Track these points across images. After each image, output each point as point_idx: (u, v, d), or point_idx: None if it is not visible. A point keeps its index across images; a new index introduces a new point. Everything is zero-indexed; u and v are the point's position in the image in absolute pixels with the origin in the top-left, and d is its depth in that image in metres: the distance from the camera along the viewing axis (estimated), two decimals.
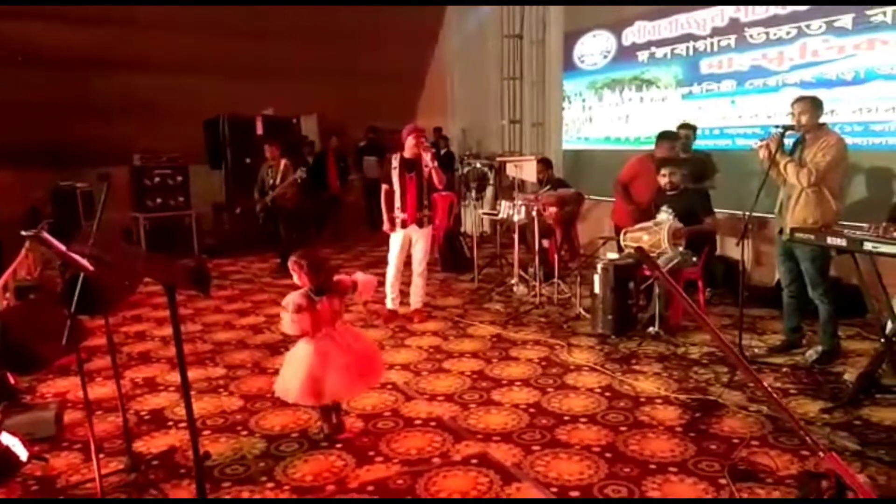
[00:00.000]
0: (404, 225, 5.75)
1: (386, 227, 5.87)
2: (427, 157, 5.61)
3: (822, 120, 4.43)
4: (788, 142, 4.50)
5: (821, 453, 1.82)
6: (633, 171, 6.38)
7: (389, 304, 5.97)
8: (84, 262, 2.75)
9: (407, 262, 6.00)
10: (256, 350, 5.23)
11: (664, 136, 6.25)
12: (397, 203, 5.74)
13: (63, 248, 2.77)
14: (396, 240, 5.83)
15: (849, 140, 4.64)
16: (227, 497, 3.06)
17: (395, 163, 5.73)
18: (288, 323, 3.50)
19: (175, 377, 4.54)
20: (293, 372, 3.53)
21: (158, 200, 9.21)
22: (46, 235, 2.85)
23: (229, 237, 9.66)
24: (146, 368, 4.86)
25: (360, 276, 3.73)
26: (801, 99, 4.47)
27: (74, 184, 8.92)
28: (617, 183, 6.45)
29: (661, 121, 6.95)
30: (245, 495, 3.07)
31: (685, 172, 5.90)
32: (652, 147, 6.40)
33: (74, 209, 8.76)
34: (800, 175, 4.30)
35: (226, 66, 9.62)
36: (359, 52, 10.19)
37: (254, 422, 3.87)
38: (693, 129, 6.37)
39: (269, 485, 3.15)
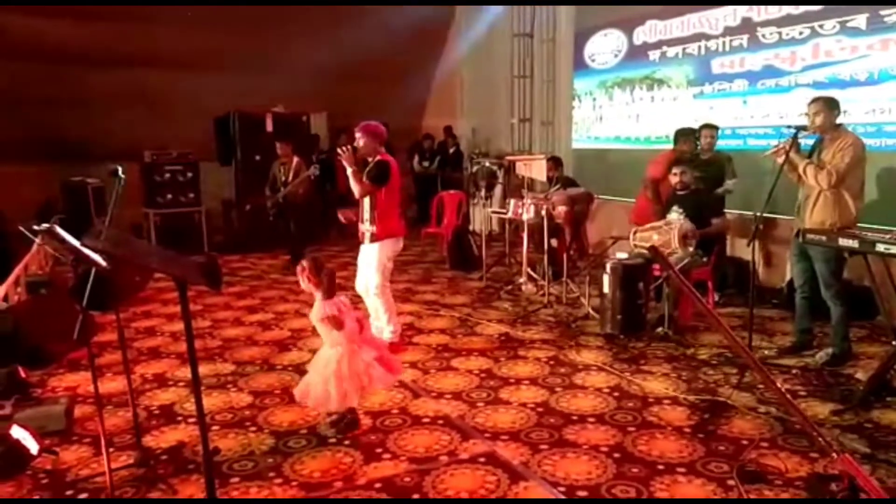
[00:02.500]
0: (361, 239, 5.06)
1: None
2: (342, 158, 4.81)
3: (837, 121, 4.39)
4: (802, 142, 4.45)
5: (834, 454, 1.81)
6: (662, 167, 6.06)
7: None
8: (97, 258, 2.76)
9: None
10: (265, 346, 5.25)
11: (683, 134, 6.21)
12: None
13: (76, 243, 2.78)
14: None
15: None
16: (236, 492, 3.07)
17: None
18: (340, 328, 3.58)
19: (184, 373, 4.57)
20: (327, 378, 3.54)
21: (169, 196, 9.22)
22: (59, 230, 2.88)
23: (239, 234, 9.69)
24: (156, 364, 4.88)
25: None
26: (816, 100, 4.44)
27: (85, 179, 8.98)
28: (646, 180, 6.28)
29: (673, 120, 6.91)
30: (253, 490, 3.09)
31: (699, 174, 5.83)
32: (668, 146, 6.37)
33: (85, 205, 8.81)
34: (819, 177, 4.26)
35: (236, 63, 9.65)
36: (369, 51, 10.18)
37: (262, 418, 3.89)
38: (716, 128, 6.29)
39: (278, 480, 3.16)
